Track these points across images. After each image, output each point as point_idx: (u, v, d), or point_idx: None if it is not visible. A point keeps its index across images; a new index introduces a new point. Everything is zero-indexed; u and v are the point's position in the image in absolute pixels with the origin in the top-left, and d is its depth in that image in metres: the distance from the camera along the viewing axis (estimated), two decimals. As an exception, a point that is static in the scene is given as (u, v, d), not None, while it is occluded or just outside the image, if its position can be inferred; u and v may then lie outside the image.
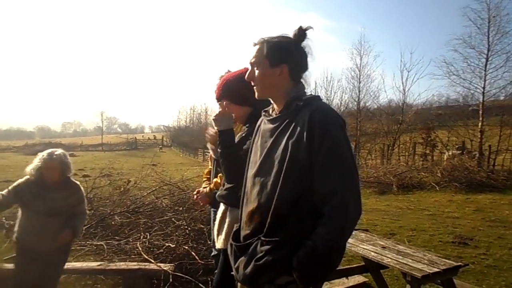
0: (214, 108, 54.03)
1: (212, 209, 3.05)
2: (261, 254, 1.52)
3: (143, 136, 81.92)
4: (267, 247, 1.51)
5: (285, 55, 1.65)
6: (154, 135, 76.82)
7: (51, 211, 2.96)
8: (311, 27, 1.65)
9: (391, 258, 3.29)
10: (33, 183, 3.00)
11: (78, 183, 3.24)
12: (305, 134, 1.47)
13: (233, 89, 2.33)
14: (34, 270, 2.98)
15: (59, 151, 3.11)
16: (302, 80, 1.72)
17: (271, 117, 1.72)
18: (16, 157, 44.64)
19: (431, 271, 2.95)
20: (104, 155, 41.01)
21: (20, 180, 3.05)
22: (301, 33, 1.66)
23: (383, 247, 3.60)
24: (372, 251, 3.50)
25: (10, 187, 3.05)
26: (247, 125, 2.47)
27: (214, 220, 2.77)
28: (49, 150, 3.09)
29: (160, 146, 56.66)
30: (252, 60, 1.72)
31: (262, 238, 1.54)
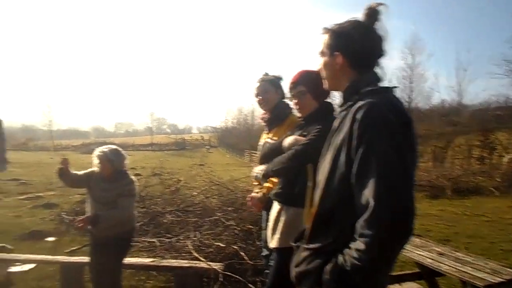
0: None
1: (263, 211, 3.04)
2: (299, 261, 1.49)
3: (191, 136, 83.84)
4: (305, 253, 1.47)
5: (343, 41, 1.48)
6: (201, 136, 78.36)
7: (101, 199, 3.30)
8: (381, 3, 1.45)
9: (449, 266, 3.13)
10: (97, 174, 3.39)
11: (131, 177, 3.43)
12: (345, 135, 1.33)
13: (314, 79, 2.28)
14: (98, 257, 3.35)
15: (107, 147, 3.43)
16: (374, 68, 1.51)
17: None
18: (74, 155, 47.20)
19: (494, 281, 2.76)
20: (154, 154, 42.36)
21: (92, 169, 3.44)
22: (370, 13, 1.46)
23: (440, 254, 3.44)
24: (428, 258, 3.36)
25: (86, 171, 3.47)
26: (302, 121, 2.46)
27: (267, 220, 2.77)
28: (101, 147, 3.45)
29: (208, 147, 57.69)
30: (318, 51, 1.60)
31: (304, 245, 1.51)
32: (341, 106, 1.52)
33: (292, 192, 2.32)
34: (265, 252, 2.97)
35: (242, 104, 58.64)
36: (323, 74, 1.61)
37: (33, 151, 52.94)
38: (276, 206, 2.51)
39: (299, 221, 2.17)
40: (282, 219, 2.39)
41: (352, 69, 1.50)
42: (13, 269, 4.60)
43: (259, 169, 2.48)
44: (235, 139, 49.30)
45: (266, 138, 2.96)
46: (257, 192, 2.93)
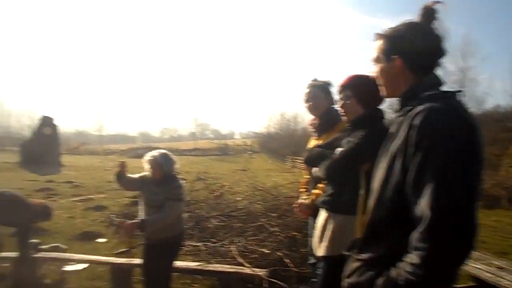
0: (304, 115, 53.47)
1: (310, 217, 3.00)
2: (351, 272, 1.45)
3: (233, 142, 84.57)
4: (356, 264, 1.43)
5: (399, 44, 1.42)
6: (244, 141, 78.89)
7: (151, 202, 3.40)
8: (438, 1, 1.39)
9: (510, 281, 2.94)
10: (148, 178, 3.50)
11: (180, 182, 3.50)
12: (401, 142, 1.27)
13: (361, 84, 2.29)
14: (149, 259, 3.44)
15: (157, 152, 3.53)
16: (434, 70, 1.43)
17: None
18: (121, 159, 48.99)
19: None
20: (198, 159, 43.11)
21: (145, 173, 3.55)
22: (427, 13, 1.40)
23: (499, 268, 3.24)
24: (486, 272, 3.17)
25: (140, 174, 3.61)
26: (348, 126, 2.41)
27: (314, 227, 2.73)
28: (151, 152, 3.57)
29: (250, 152, 57.95)
30: (373, 57, 1.56)
31: (355, 255, 1.46)
32: (398, 111, 1.46)
33: (340, 200, 2.28)
34: (312, 260, 2.93)
35: (284, 109, 58.33)
36: (380, 81, 1.56)
37: (84, 155, 55.46)
38: (323, 214, 2.47)
39: (347, 229, 2.13)
40: (330, 227, 2.35)
41: (411, 72, 1.43)
42: (68, 268, 4.82)
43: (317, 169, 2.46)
44: (277, 145, 49.30)
45: (315, 145, 2.93)
46: (305, 199, 2.89)
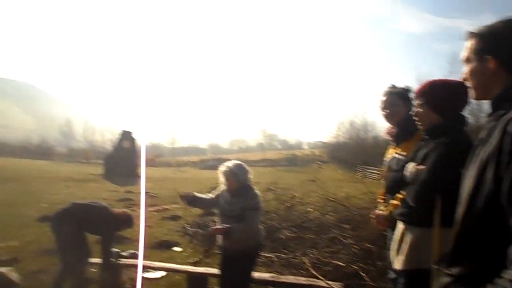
0: (374, 123, 51.92)
1: (388, 229, 2.86)
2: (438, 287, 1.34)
3: (301, 152, 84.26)
4: (446, 279, 1.31)
5: (495, 43, 1.32)
6: (312, 151, 78.32)
7: (227, 212, 3.43)
8: None
9: None
10: (225, 190, 3.54)
11: (256, 191, 3.49)
12: (494, 149, 1.17)
13: (434, 92, 2.19)
14: (228, 270, 3.50)
15: (232, 163, 3.55)
16: None
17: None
18: (193, 170, 51.00)
19: None
20: (266, 170, 43.47)
21: (221, 188, 3.60)
22: None
23: None
24: None
25: (217, 192, 3.65)
26: (425, 135, 2.29)
27: (391, 238, 2.60)
28: (226, 163, 3.59)
29: (319, 162, 57.32)
30: (463, 57, 1.46)
31: (444, 269, 1.35)
32: (489, 115, 1.34)
33: (417, 211, 2.15)
34: (392, 275, 2.78)
35: (353, 118, 56.89)
36: (470, 83, 1.44)
37: (159, 167, 58.43)
38: (400, 226, 2.35)
39: (424, 242, 2.04)
40: (407, 239, 2.23)
41: (506, 73, 1.31)
42: (147, 275, 5.04)
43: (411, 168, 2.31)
44: (346, 154, 48.19)
45: (393, 153, 2.80)
46: (382, 210, 2.77)
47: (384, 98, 2.88)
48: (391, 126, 2.90)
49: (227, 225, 3.28)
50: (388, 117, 2.87)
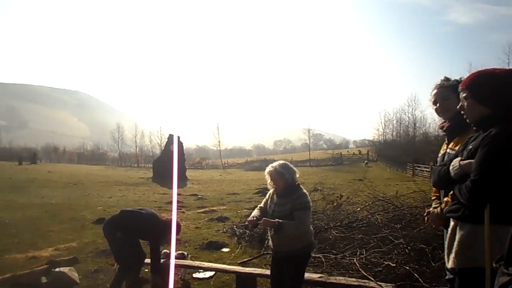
0: (423, 119, 49.89)
1: (443, 229, 2.74)
2: (498, 287, 1.28)
3: (348, 151, 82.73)
4: (504, 279, 1.25)
5: None
6: (359, 150, 76.64)
7: (276, 213, 3.37)
8: None
9: None
10: (273, 192, 3.53)
11: (304, 191, 3.44)
12: None
13: (479, 83, 2.07)
14: (279, 271, 3.48)
15: (277, 163, 3.52)
16: None
17: None
18: (239, 172, 51.54)
19: None
20: (312, 170, 43.10)
21: (270, 191, 3.60)
22: None
23: None
24: None
25: (265, 198, 3.64)
26: (475, 128, 2.17)
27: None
28: (272, 164, 3.56)
29: (366, 161, 56.01)
30: None
31: (503, 268, 1.28)
32: None
33: (467, 207, 2.05)
34: (448, 276, 2.67)
35: (401, 115, 55.03)
36: None
37: (205, 169, 59.59)
38: (451, 223, 2.25)
39: (476, 239, 1.94)
40: (457, 237, 2.13)
41: None
42: (197, 275, 5.16)
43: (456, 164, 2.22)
44: (395, 152, 46.71)
45: (446, 149, 2.69)
46: (435, 207, 2.66)
47: (435, 92, 2.77)
48: (444, 120, 2.78)
49: (279, 220, 3.25)
50: (440, 112, 2.75)
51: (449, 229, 2.24)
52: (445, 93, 2.72)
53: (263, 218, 3.32)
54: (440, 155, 2.77)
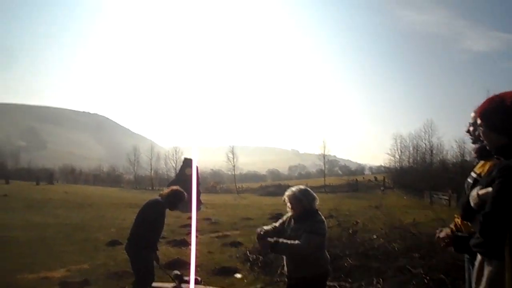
0: (440, 146, 49.14)
1: (466, 256, 2.63)
2: None
3: (363, 177, 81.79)
4: None
5: None
6: (374, 177, 75.73)
7: (291, 238, 3.26)
8: None
9: None
10: (291, 216, 3.45)
11: (321, 217, 3.36)
12: None
13: (491, 110, 2.01)
14: None
15: (296, 188, 3.45)
16: None
17: None
18: (253, 197, 51.27)
19: None
20: (327, 196, 42.57)
21: (287, 214, 3.53)
22: None
23: None
24: None
25: (282, 219, 3.58)
26: (495, 157, 2.10)
27: (469, 269, 2.40)
28: (291, 188, 3.50)
29: (382, 188, 55.17)
30: None
31: None
32: None
33: (493, 243, 1.95)
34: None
35: (418, 141, 54.34)
36: None
37: (219, 193, 59.45)
38: (478, 257, 2.15)
39: (502, 276, 1.83)
40: (485, 272, 2.03)
41: None
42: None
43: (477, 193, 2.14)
44: (412, 179, 45.92)
45: (471, 172, 2.62)
46: (441, 230, 2.57)
47: (473, 115, 2.71)
48: (476, 146, 2.72)
49: (275, 238, 3.19)
50: (473, 136, 2.71)
51: (477, 263, 2.15)
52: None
53: (261, 238, 3.27)
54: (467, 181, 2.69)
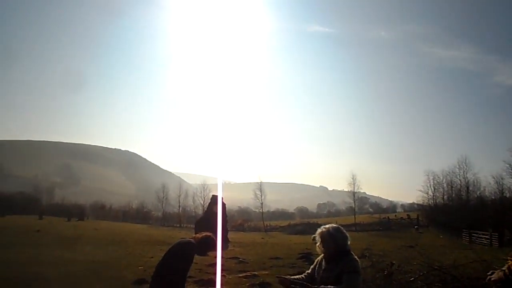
0: (478, 183, 47.25)
1: None
2: None
3: (395, 215, 79.15)
4: None
5: None
6: (407, 215, 73.06)
7: (324, 279, 3.13)
8: None
9: None
10: (321, 258, 3.31)
11: (354, 257, 3.20)
12: None
13: None
14: None
15: (329, 226, 3.33)
16: None
17: None
18: (281, 235, 50.34)
19: None
20: (358, 235, 41.33)
21: (318, 258, 3.39)
22: None
23: None
24: None
25: (313, 265, 3.42)
26: None
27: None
28: (324, 225, 3.37)
29: (416, 226, 53.10)
30: None
31: None
32: None
33: None
34: None
35: (452, 178, 52.53)
36: None
37: (247, 232, 58.70)
38: None
39: None
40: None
41: None
42: None
43: None
44: (447, 218, 44.07)
45: None
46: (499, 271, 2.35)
47: None
48: None
49: (315, 286, 3.03)
50: None
51: None
52: None
53: (303, 283, 3.09)
54: None
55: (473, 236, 29.97)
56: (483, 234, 28.31)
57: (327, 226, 3.33)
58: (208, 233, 4.77)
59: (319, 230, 3.31)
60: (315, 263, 3.39)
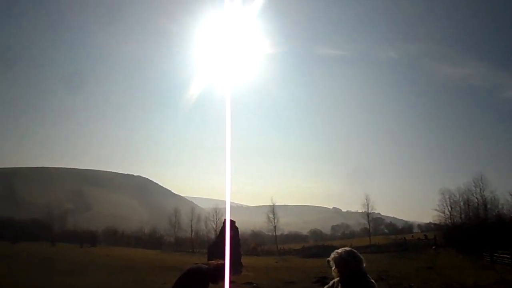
0: (496, 201, 46.20)
1: None
2: None
3: (412, 236, 77.47)
4: None
5: None
6: (424, 235, 71.44)
7: None
8: None
9: None
10: (336, 282, 3.24)
11: (371, 280, 3.09)
12: None
13: None
14: None
15: (342, 249, 3.25)
16: None
17: None
18: (295, 259, 49.43)
19: None
20: (374, 257, 40.39)
21: (333, 280, 3.32)
22: None
23: None
24: None
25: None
26: None
27: None
28: (337, 250, 3.29)
29: (434, 247, 51.74)
30: None
31: None
32: None
33: None
34: None
35: (468, 196, 51.39)
36: None
37: (261, 256, 57.84)
38: None
39: None
40: None
41: None
42: None
43: None
44: (465, 237, 42.87)
45: None
46: None
47: None
48: None
49: None
50: None
51: None
52: None
53: None
54: None
55: (495, 255, 28.98)
56: (504, 254, 27.38)
57: (339, 250, 3.26)
58: (222, 261, 4.71)
59: (332, 255, 3.26)
60: (330, 284, 3.34)
